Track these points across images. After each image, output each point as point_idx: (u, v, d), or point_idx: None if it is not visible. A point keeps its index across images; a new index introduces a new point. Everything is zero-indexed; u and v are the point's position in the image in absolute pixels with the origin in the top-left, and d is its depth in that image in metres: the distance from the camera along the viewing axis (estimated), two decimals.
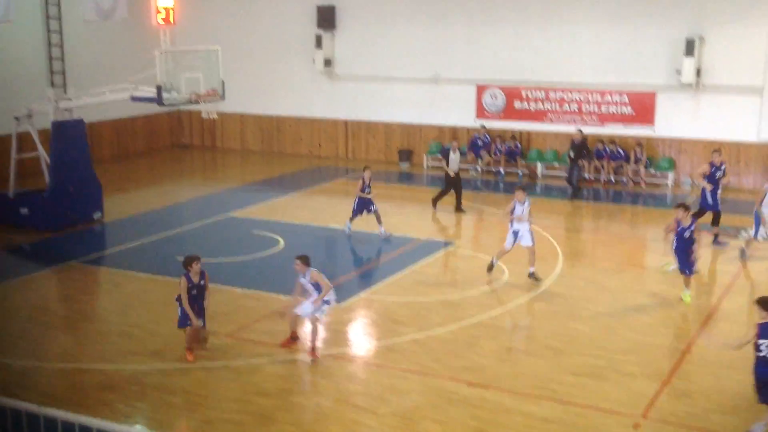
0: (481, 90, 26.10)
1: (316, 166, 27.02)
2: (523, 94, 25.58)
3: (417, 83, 26.71)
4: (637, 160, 23.69)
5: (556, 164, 25.07)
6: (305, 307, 11.43)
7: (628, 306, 13.73)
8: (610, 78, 24.23)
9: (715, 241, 17.47)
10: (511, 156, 25.37)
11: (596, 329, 12.67)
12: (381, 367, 11.35)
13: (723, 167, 17.63)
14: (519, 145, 25.48)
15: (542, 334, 12.52)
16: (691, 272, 13.75)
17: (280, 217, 19.77)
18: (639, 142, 23.80)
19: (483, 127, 25.50)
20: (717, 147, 19.15)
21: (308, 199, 22.25)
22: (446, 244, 17.54)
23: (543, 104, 25.40)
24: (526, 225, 14.93)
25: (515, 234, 14.91)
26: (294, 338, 11.82)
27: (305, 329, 11.85)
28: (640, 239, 19.14)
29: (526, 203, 14.91)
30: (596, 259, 16.83)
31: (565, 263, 16.01)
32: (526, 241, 14.92)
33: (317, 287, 11.41)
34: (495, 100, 25.97)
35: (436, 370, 11.10)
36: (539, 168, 25.29)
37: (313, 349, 11.41)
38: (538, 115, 25.46)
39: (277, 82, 28.81)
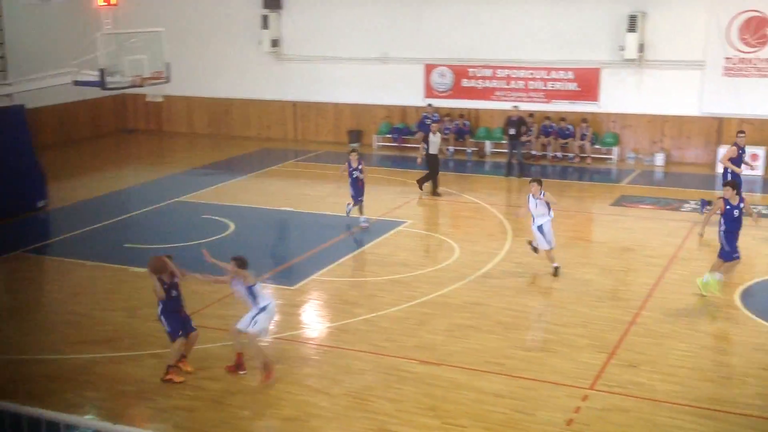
0: (429, 69, 26.13)
1: (266, 148, 26.83)
2: (471, 72, 25.69)
3: (365, 63, 26.63)
4: (582, 136, 24.00)
5: (504, 142, 25.28)
6: (244, 320, 10.29)
7: (575, 280, 13.97)
8: (556, 55, 24.45)
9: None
10: (460, 134, 25.50)
11: (545, 304, 12.90)
12: (334, 348, 11.40)
13: (745, 149, 17.80)
14: (467, 124, 25.62)
15: (492, 311, 12.68)
16: (737, 256, 13.00)
17: (230, 201, 19.63)
18: (584, 118, 24.11)
19: (430, 105, 25.57)
20: (742, 129, 18.98)
21: (258, 183, 22.11)
22: (398, 223, 17.61)
23: (490, 82, 25.55)
24: (547, 219, 14.06)
25: (540, 230, 14.00)
26: (239, 365, 10.49)
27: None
28: (586, 214, 19.44)
29: (542, 195, 13.86)
30: None
31: (514, 240, 16.20)
32: (543, 243, 14.11)
33: (251, 293, 10.30)
34: (443, 78, 26.03)
35: (389, 350, 11.18)
36: (487, 146, 25.47)
37: (265, 368, 10.26)
38: (486, 93, 25.61)
39: (224, 64, 28.46)
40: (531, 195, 14.00)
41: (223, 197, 20.08)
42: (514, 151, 22.59)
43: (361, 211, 17.18)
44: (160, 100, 20.79)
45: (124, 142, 28.73)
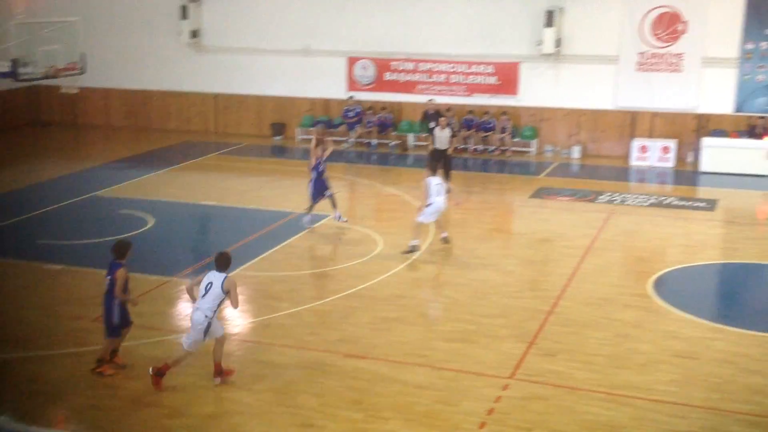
0: (352, 62, 26.12)
1: (186, 141, 26.36)
2: (393, 65, 25.79)
3: (288, 55, 26.44)
4: (503, 130, 24.38)
5: (424, 135, 25.49)
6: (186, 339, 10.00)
7: (497, 271, 14.21)
8: (477, 49, 24.76)
9: None
10: (383, 127, 25.58)
11: (467, 295, 13.06)
12: (257, 343, 11.31)
13: None
14: (390, 117, 25.72)
15: (415, 303, 12.80)
16: None
17: (149, 196, 19.23)
18: (504, 112, 24.50)
19: (351, 98, 25.57)
20: None
21: (178, 176, 21.72)
22: (321, 217, 17.57)
23: (413, 76, 25.70)
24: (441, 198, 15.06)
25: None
26: (218, 372, 10.08)
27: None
28: (506, 206, 19.78)
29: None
30: (467, 227, 17.26)
31: (437, 233, 16.36)
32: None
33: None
34: (366, 71, 26.06)
35: (313, 344, 11.16)
36: (410, 139, 25.63)
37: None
38: (408, 87, 25.76)
39: (142, 55, 27.81)
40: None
41: (142, 191, 19.66)
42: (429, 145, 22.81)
43: (334, 205, 16.63)
44: (75, 91, 20.19)
45: (37, 134, 27.82)
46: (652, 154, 23.11)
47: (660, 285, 13.49)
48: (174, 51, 27.43)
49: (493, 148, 24.43)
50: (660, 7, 23.03)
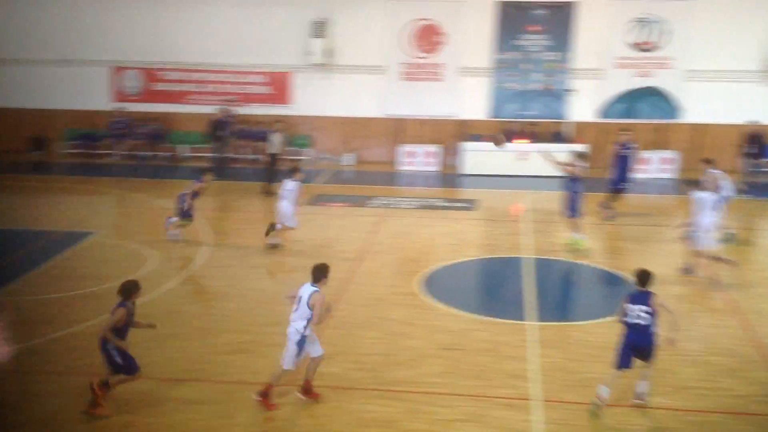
0: (117, 71, 25.14)
1: None
2: (162, 75, 25.14)
3: (47, 65, 24.93)
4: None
5: (199, 146, 25.06)
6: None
7: (275, 279, 14.28)
8: (250, 59, 24.76)
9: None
10: (153, 139, 24.84)
11: (244, 306, 13.01)
12: (18, 372, 10.55)
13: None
14: (161, 128, 25.03)
15: (190, 317, 12.55)
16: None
17: None
18: (278, 120, 24.61)
19: (118, 110, 24.62)
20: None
21: None
22: (87, 234, 16.73)
23: (184, 85, 25.19)
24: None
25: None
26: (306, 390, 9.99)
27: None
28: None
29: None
30: (242, 237, 17.20)
31: (213, 244, 16.16)
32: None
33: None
34: (133, 81, 25.19)
35: (79, 369, 10.61)
36: (182, 150, 25.09)
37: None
38: (179, 97, 25.22)
39: None
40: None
41: None
42: (215, 154, 22.63)
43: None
44: None
45: None
46: (419, 159, 24.30)
47: (427, 283, 14.20)
48: None
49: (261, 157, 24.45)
50: (420, 19, 24.27)
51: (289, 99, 25.06)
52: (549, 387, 10.22)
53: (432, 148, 24.33)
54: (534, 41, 24.08)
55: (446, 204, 20.15)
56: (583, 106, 24.17)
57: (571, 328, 12.25)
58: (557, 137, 23.66)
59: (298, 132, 25.15)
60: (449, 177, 23.50)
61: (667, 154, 23.59)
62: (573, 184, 16.07)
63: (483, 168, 23.06)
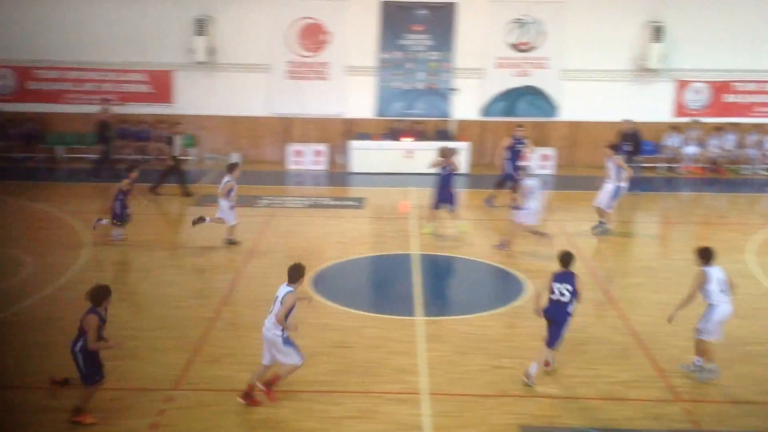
0: None
1: None
2: (37, 74, 24.13)
3: None
4: (163, 138, 23.92)
5: (78, 146, 24.20)
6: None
7: (160, 282, 13.97)
8: (130, 56, 24.05)
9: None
10: (29, 140, 23.80)
11: (126, 310, 12.65)
12: None
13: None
14: (36, 129, 24.02)
15: (70, 324, 12.05)
16: None
17: None
18: (161, 120, 24.09)
19: None
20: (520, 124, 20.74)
21: None
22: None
23: (60, 84, 24.26)
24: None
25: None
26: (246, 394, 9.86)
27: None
28: (169, 216, 19.48)
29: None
30: (127, 240, 16.72)
31: (95, 248, 15.65)
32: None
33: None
34: (4, 80, 24.06)
35: None
36: (60, 151, 24.16)
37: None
38: (56, 96, 24.27)
39: None
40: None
41: None
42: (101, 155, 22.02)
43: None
44: None
45: None
46: (307, 158, 24.26)
47: (318, 281, 14.20)
48: None
49: (151, 157, 23.88)
50: (304, 18, 24.21)
51: (171, 98, 24.50)
52: (436, 380, 10.43)
53: (320, 147, 24.33)
54: (418, 41, 24.44)
55: (335, 203, 20.21)
56: (466, 104, 24.71)
57: (457, 322, 12.52)
58: (441, 135, 24.10)
59: (182, 132, 24.57)
60: (338, 175, 23.56)
61: (547, 150, 24.40)
62: (449, 178, 16.98)
63: (371, 166, 23.25)
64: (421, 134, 24.23)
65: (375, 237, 17.80)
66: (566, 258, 10.43)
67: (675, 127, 24.40)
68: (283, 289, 9.69)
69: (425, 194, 20.86)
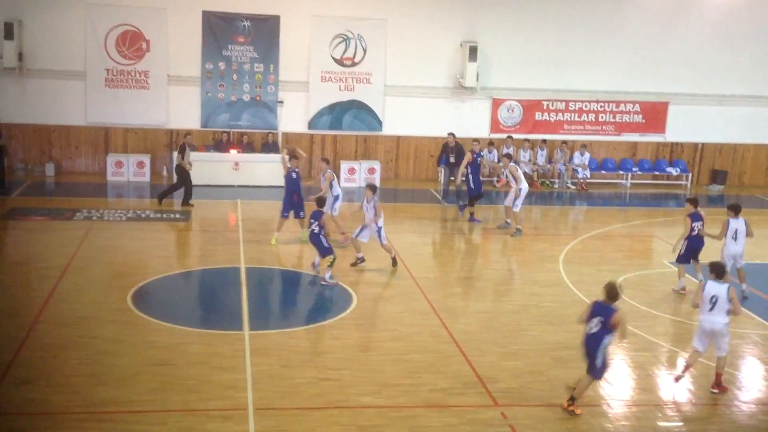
0: None
1: None
2: None
3: None
4: None
5: None
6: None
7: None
8: None
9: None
10: None
11: None
12: None
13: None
14: None
15: None
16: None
17: None
18: None
19: None
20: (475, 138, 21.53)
21: None
22: None
23: None
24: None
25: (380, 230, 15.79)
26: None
27: None
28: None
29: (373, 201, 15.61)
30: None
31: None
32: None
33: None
34: None
35: None
36: None
37: None
38: None
39: None
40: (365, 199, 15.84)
41: None
42: None
43: None
44: None
45: None
46: (128, 169, 23.39)
47: (139, 297, 13.71)
48: None
49: None
50: (122, 25, 23.36)
51: None
52: (262, 395, 10.35)
53: (142, 157, 23.53)
54: (242, 52, 24.20)
55: (159, 215, 19.59)
56: (293, 117, 24.76)
57: (285, 335, 12.49)
58: (268, 147, 24.01)
59: None
60: (161, 188, 22.81)
61: (372, 164, 24.91)
62: (297, 183, 17.54)
63: (199, 178, 22.68)
64: (247, 146, 24.02)
65: (201, 250, 17.44)
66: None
67: (491, 143, 25.62)
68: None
69: (252, 207, 20.77)
